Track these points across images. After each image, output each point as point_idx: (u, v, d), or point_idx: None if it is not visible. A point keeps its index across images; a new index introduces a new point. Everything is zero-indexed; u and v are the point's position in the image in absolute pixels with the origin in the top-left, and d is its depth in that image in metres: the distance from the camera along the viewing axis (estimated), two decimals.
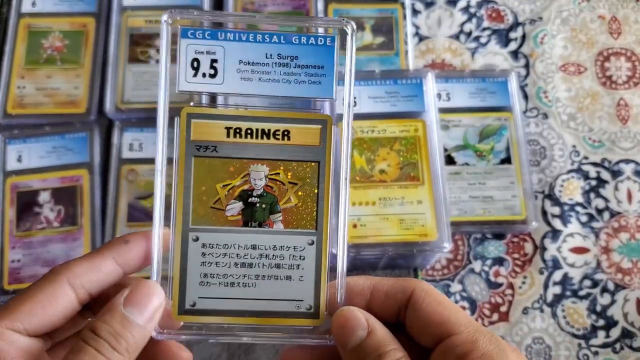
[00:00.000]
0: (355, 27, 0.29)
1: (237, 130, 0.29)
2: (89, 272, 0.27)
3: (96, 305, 0.28)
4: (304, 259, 0.29)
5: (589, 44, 0.66)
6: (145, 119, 0.60)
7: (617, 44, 0.66)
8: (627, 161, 0.61)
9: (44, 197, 0.57)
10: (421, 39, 0.66)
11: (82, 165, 0.58)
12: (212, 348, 0.52)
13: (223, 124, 0.29)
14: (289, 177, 0.29)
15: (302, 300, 0.29)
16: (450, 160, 0.58)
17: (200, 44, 0.28)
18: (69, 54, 0.62)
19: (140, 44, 0.62)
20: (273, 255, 0.29)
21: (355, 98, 0.54)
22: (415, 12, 0.67)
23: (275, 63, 0.29)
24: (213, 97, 0.32)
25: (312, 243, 0.29)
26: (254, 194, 0.29)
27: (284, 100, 0.29)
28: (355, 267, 0.56)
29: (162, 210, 0.29)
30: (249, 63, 0.28)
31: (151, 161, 0.58)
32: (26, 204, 0.57)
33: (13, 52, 0.62)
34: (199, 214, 0.29)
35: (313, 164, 0.29)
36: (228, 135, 0.29)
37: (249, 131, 0.29)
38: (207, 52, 0.28)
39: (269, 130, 0.29)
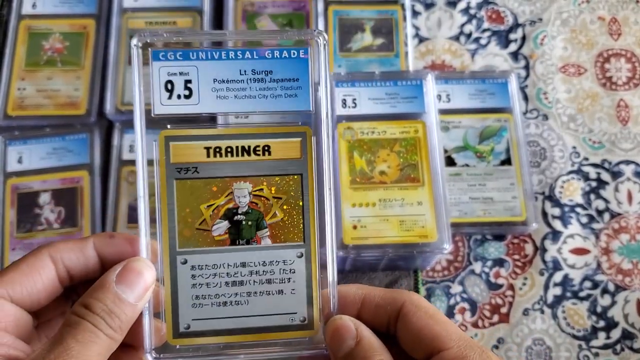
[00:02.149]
0: (326, 38, 0.29)
1: (217, 150, 0.29)
2: (69, 250, 0.28)
3: (75, 294, 0.29)
4: (294, 272, 0.29)
5: (588, 45, 0.66)
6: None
7: (617, 45, 0.66)
8: (627, 162, 0.61)
9: (44, 198, 0.57)
10: (421, 40, 0.66)
11: (83, 167, 0.58)
12: None
13: (202, 144, 0.29)
14: (273, 191, 0.29)
15: (296, 313, 0.29)
16: (450, 162, 0.58)
17: (173, 66, 0.28)
18: (69, 55, 0.62)
19: None
20: (263, 271, 0.29)
21: (355, 99, 0.54)
22: (415, 13, 0.67)
23: (250, 79, 0.28)
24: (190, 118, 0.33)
25: (301, 255, 0.29)
26: (239, 211, 0.29)
27: (262, 115, 0.29)
28: (356, 268, 0.56)
29: (148, 234, 0.28)
30: (223, 81, 0.28)
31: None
32: (26, 205, 0.57)
33: (13, 54, 0.62)
34: (185, 236, 0.29)
35: (296, 176, 0.29)
36: (208, 155, 0.29)
37: (228, 149, 0.29)
38: (180, 74, 0.28)
39: (249, 146, 0.29)
